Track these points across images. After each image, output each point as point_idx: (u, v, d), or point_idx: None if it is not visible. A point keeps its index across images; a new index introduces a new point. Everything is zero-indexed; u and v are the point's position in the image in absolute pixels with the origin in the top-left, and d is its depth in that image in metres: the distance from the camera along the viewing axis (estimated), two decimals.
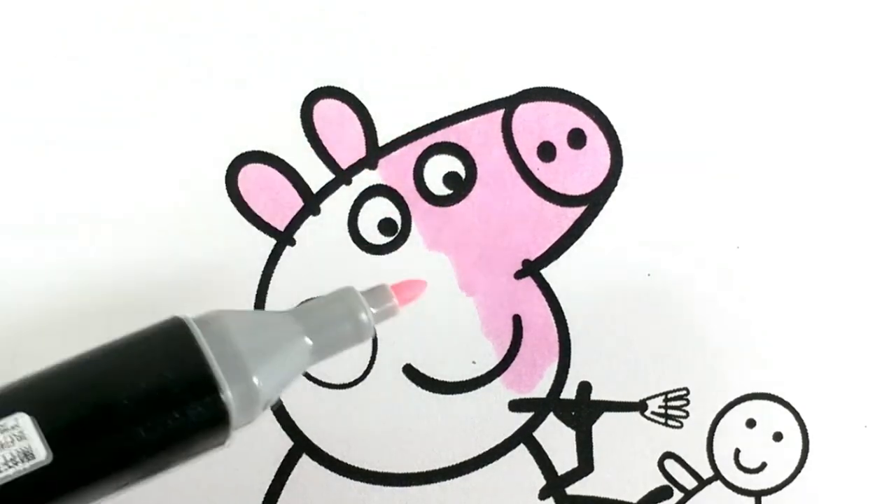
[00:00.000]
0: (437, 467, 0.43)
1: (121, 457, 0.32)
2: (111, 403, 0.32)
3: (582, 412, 0.43)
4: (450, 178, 0.42)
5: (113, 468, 0.32)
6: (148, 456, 0.33)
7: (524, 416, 0.43)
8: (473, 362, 0.42)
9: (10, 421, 0.32)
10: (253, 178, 0.41)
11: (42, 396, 0.32)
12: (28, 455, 0.32)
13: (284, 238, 0.41)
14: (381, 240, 0.42)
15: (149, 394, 0.32)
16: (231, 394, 0.33)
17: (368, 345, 0.42)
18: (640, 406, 0.43)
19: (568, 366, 0.42)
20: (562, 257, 0.42)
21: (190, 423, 0.32)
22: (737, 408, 0.43)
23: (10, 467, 0.31)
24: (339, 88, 0.41)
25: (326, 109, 0.41)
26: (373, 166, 0.42)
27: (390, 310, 0.36)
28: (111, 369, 0.33)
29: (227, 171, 0.41)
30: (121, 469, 0.33)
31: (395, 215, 0.42)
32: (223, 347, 0.33)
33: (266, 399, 0.34)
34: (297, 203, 0.41)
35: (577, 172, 0.42)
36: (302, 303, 0.38)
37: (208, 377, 0.32)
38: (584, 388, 0.43)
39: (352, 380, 0.42)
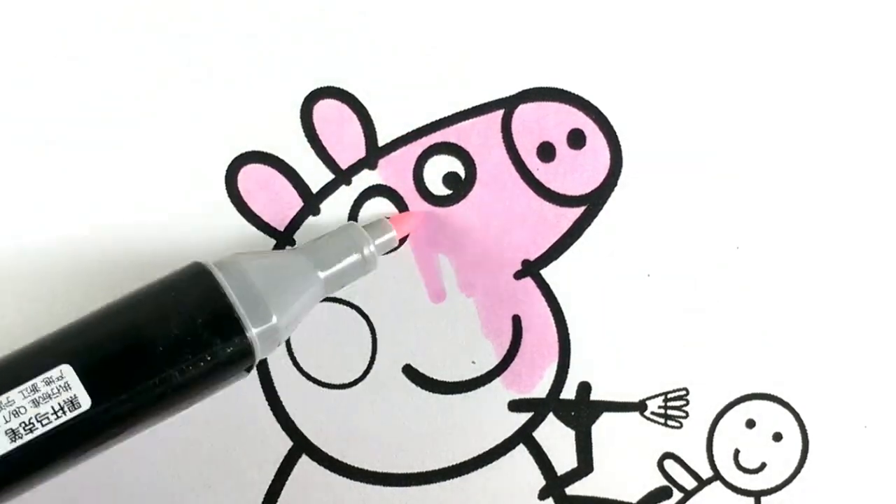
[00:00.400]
0: (437, 467, 0.43)
1: (155, 398, 0.35)
2: (146, 350, 0.35)
3: (581, 412, 0.43)
4: (449, 179, 0.42)
5: (148, 409, 0.35)
6: (180, 395, 0.35)
7: (524, 417, 0.43)
8: (473, 362, 0.42)
9: (55, 372, 0.34)
10: (253, 178, 0.41)
11: (82, 346, 0.35)
12: (74, 404, 0.34)
13: (284, 238, 0.41)
14: None
15: (180, 339, 0.35)
16: (255, 332, 0.36)
17: (368, 345, 0.42)
18: (640, 406, 0.43)
19: (567, 366, 0.42)
20: (561, 257, 0.42)
21: (219, 363, 0.35)
22: (736, 408, 0.43)
23: (58, 417, 0.34)
24: (339, 88, 0.41)
25: (326, 109, 0.41)
26: (372, 166, 0.42)
27: (390, 241, 0.40)
28: (143, 316, 0.35)
29: (227, 171, 0.41)
30: (154, 408, 0.35)
31: None
32: (244, 289, 0.36)
33: (285, 333, 0.37)
34: (297, 203, 0.41)
35: (576, 173, 0.42)
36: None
37: (234, 319, 0.35)
38: (584, 388, 0.43)
39: (352, 380, 0.42)
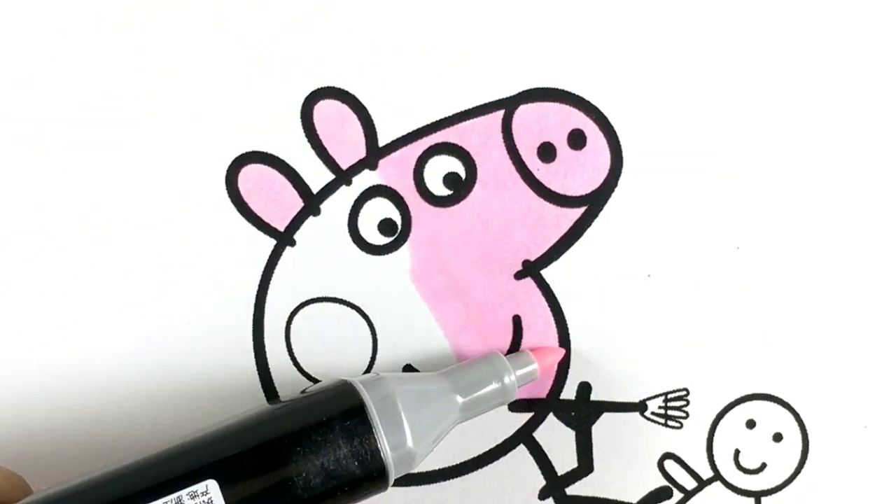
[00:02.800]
0: (437, 467, 0.43)
1: None
2: (288, 473, 0.35)
3: (582, 412, 0.43)
4: (450, 179, 0.42)
5: None
6: None
7: (524, 417, 0.43)
8: None
9: (201, 487, 0.34)
10: (253, 179, 0.41)
11: (226, 462, 0.34)
12: None
13: (284, 238, 0.41)
14: (381, 240, 0.42)
15: (322, 466, 0.35)
16: (392, 460, 0.36)
17: (368, 345, 0.42)
18: (640, 406, 0.43)
19: (568, 366, 0.42)
20: (562, 258, 0.42)
21: (353, 488, 0.36)
22: (736, 408, 0.43)
23: None
24: (339, 89, 0.41)
25: (326, 110, 0.41)
26: (373, 167, 0.42)
27: (531, 373, 0.41)
28: (289, 438, 0.35)
29: (227, 171, 0.41)
30: None
31: (395, 216, 0.42)
32: (387, 413, 0.36)
33: (420, 457, 0.37)
34: (297, 203, 0.41)
35: (577, 173, 0.42)
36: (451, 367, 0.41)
37: (375, 449, 0.36)
38: (584, 388, 0.43)
39: None
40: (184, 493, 0.34)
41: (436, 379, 0.39)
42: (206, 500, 0.34)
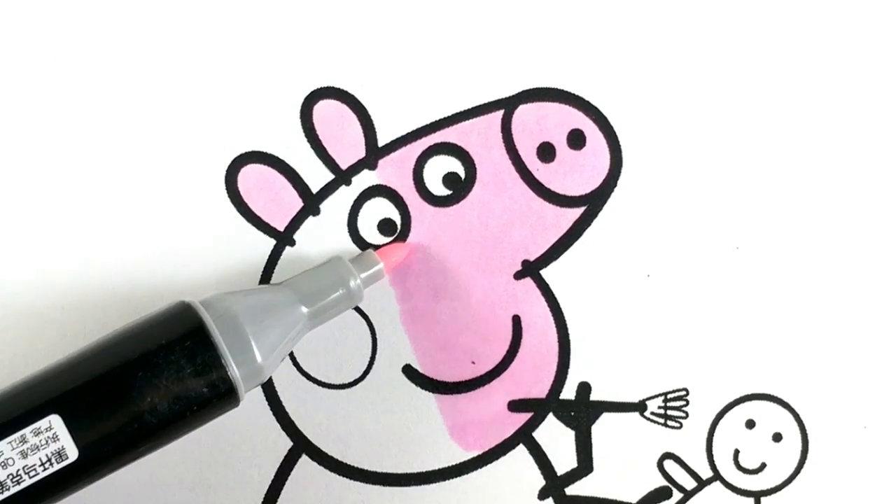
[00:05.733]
0: (436, 467, 0.43)
1: (140, 443, 0.35)
2: (133, 401, 0.35)
3: (581, 412, 0.43)
4: (449, 179, 0.42)
5: (132, 453, 0.35)
6: (164, 438, 0.36)
7: (524, 417, 0.43)
8: (473, 362, 0.42)
9: (44, 423, 0.34)
10: (253, 179, 0.41)
11: (69, 396, 0.34)
12: (62, 455, 0.34)
13: (284, 238, 0.41)
14: (381, 240, 0.42)
15: (167, 388, 0.35)
16: (238, 372, 0.36)
17: (368, 345, 0.42)
18: (640, 406, 0.43)
19: (567, 366, 0.42)
20: (561, 258, 0.42)
21: (202, 408, 0.36)
22: (736, 408, 0.43)
23: (45, 469, 0.34)
24: (338, 89, 0.41)
25: (326, 109, 0.41)
26: (372, 167, 0.42)
27: (377, 274, 0.40)
28: (130, 364, 0.35)
29: (227, 171, 0.41)
30: (139, 451, 0.35)
31: (395, 216, 0.42)
32: (230, 332, 0.36)
33: (269, 371, 0.37)
34: (297, 203, 0.41)
35: (576, 173, 0.42)
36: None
37: (221, 366, 0.35)
38: (584, 388, 0.43)
39: (351, 380, 0.42)
40: (27, 430, 0.33)
41: (278, 291, 0.38)
42: (50, 436, 0.34)
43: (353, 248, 0.42)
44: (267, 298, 0.38)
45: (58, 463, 0.34)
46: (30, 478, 0.33)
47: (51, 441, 0.34)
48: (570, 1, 0.41)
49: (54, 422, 0.34)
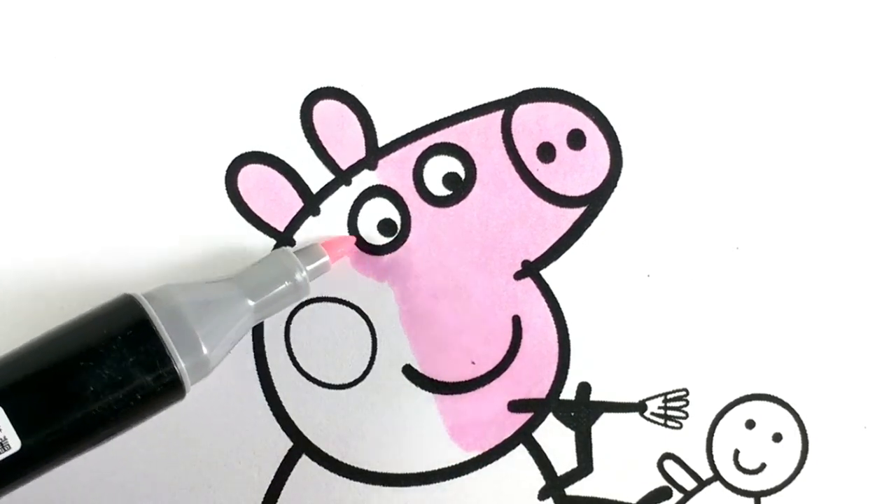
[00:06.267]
0: (437, 467, 0.43)
1: (85, 435, 0.35)
2: (76, 391, 0.35)
3: (581, 413, 0.43)
4: (449, 179, 0.42)
5: (78, 444, 0.35)
6: (110, 429, 0.36)
7: (524, 417, 0.43)
8: (473, 363, 0.42)
9: None
10: (253, 179, 0.41)
11: (11, 387, 0.35)
12: (3, 445, 0.34)
13: (284, 238, 0.41)
14: (381, 240, 0.42)
15: (110, 378, 0.35)
16: (184, 365, 0.36)
17: (368, 345, 0.42)
18: (640, 407, 0.43)
19: (567, 366, 0.42)
20: (561, 258, 0.42)
21: (148, 399, 0.36)
22: (736, 408, 0.43)
23: None
24: (338, 89, 0.41)
25: (326, 110, 0.41)
26: (372, 167, 0.42)
27: (322, 266, 0.40)
28: (72, 355, 0.35)
29: (227, 171, 0.41)
30: (85, 443, 0.36)
31: (395, 216, 0.42)
32: (174, 323, 0.36)
33: (215, 362, 0.37)
34: (297, 203, 0.41)
35: (576, 173, 0.42)
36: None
37: (165, 356, 0.36)
38: (584, 388, 0.43)
39: (351, 380, 0.42)
40: None
41: (224, 285, 0.38)
42: None
43: (354, 249, 0.42)
44: (212, 291, 0.38)
45: (0, 452, 0.34)
46: None
47: None
48: (570, 1, 0.41)
49: None
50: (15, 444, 0.34)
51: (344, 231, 0.42)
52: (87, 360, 0.35)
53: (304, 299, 0.40)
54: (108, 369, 0.35)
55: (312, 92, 0.41)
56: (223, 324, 0.37)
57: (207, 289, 0.38)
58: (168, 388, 0.36)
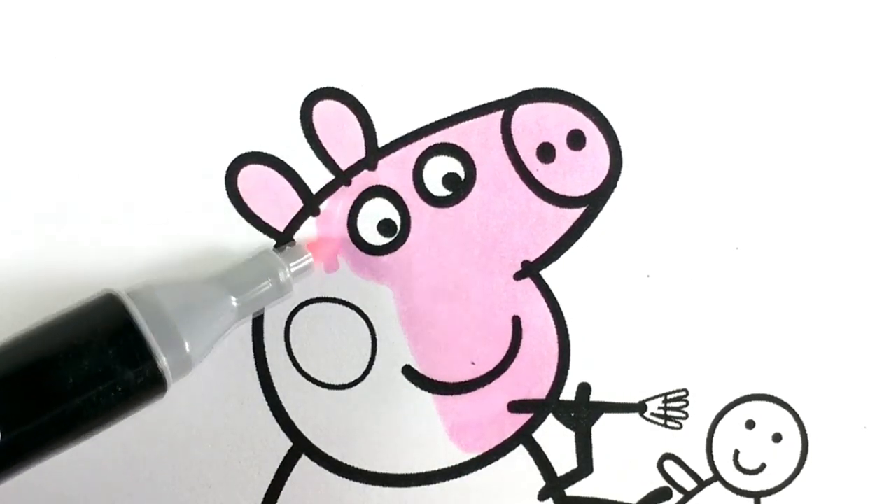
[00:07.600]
0: (436, 468, 0.43)
1: (66, 430, 0.35)
2: (57, 385, 0.35)
3: (581, 413, 0.43)
4: (449, 179, 0.42)
5: (59, 439, 0.35)
6: (91, 424, 0.36)
7: (524, 418, 0.43)
8: (473, 363, 0.42)
9: None
10: (253, 179, 0.41)
11: None
12: None
13: (284, 238, 0.41)
14: (381, 241, 0.42)
15: (92, 373, 0.35)
16: (166, 361, 0.36)
17: (368, 345, 0.42)
18: (640, 407, 0.43)
19: (567, 367, 0.42)
20: (561, 258, 0.42)
21: (130, 394, 0.36)
22: (736, 409, 0.43)
23: None
24: (338, 89, 0.41)
25: (326, 110, 0.41)
26: (372, 167, 0.42)
27: (307, 267, 0.40)
28: (54, 349, 0.35)
29: (227, 171, 0.41)
30: (66, 438, 0.36)
31: (395, 216, 0.42)
32: (156, 318, 0.36)
33: (197, 360, 0.37)
34: (297, 204, 0.41)
35: (576, 173, 0.42)
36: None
37: (146, 352, 0.36)
38: (584, 389, 0.43)
39: (351, 380, 0.42)
40: None
41: (207, 284, 0.38)
42: None
43: (354, 250, 0.42)
44: (196, 289, 0.38)
45: None
46: None
47: None
48: (570, 1, 0.41)
49: None
50: None
51: (344, 231, 0.42)
52: (68, 357, 0.35)
53: (287, 298, 0.40)
54: (89, 368, 0.35)
55: (312, 92, 0.41)
56: (205, 320, 0.37)
57: (191, 286, 0.38)
58: (149, 383, 0.36)
